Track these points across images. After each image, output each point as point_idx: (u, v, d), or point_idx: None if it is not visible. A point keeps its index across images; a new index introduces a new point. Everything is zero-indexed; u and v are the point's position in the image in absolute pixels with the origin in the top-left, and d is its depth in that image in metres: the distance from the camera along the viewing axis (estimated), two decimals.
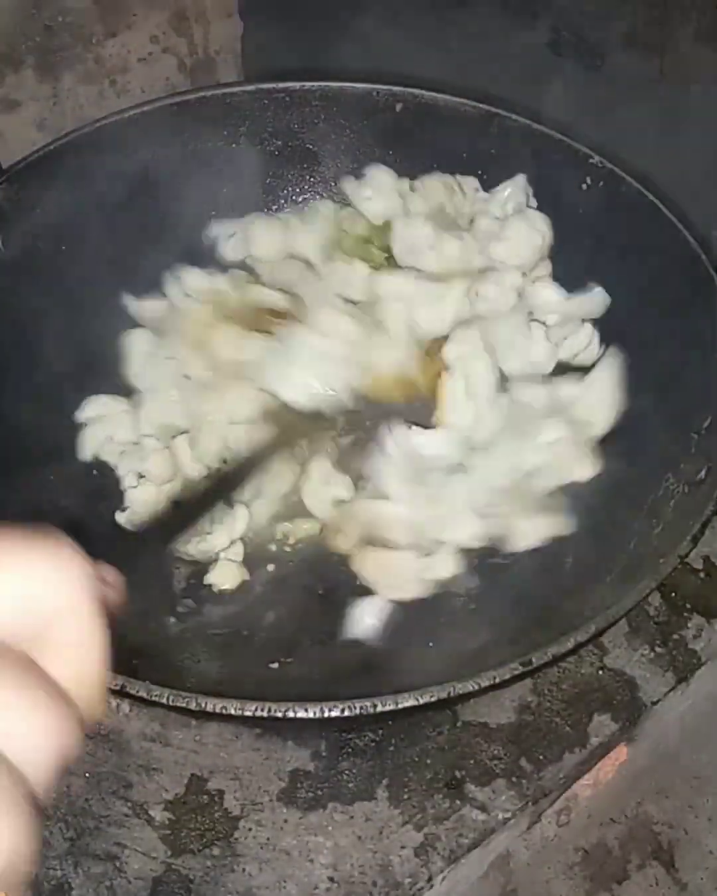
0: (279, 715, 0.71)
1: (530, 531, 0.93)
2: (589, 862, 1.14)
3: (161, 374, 1.06)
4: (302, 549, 0.98)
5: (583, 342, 1.05)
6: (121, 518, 0.98)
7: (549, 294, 1.06)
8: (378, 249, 1.13)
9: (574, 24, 1.20)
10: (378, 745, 0.91)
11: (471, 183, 1.15)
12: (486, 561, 0.95)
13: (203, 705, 0.71)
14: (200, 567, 0.96)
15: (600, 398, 1.00)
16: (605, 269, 1.06)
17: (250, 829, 0.87)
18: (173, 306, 1.12)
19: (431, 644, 0.91)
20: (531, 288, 1.07)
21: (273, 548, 0.98)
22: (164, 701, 0.71)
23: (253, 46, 1.46)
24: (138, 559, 0.86)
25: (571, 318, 1.05)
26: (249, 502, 0.97)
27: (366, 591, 0.92)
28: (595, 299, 1.06)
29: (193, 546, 0.95)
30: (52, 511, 0.95)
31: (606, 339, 1.06)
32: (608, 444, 1.02)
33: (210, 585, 0.95)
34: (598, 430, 1.00)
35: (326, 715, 0.70)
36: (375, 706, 0.71)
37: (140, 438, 1.02)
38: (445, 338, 1.04)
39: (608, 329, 1.06)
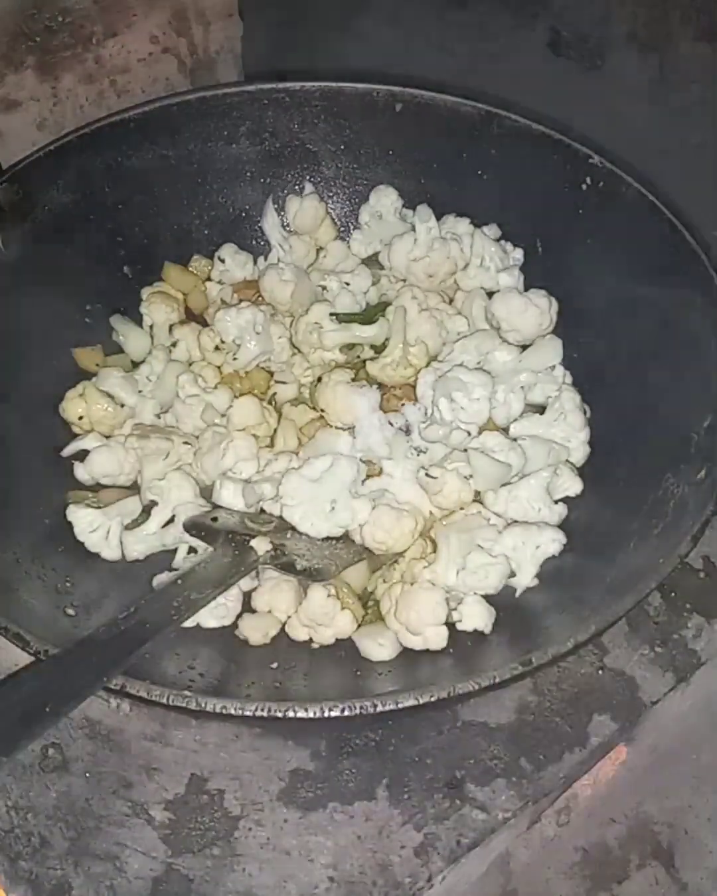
0: (279, 715, 0.71)
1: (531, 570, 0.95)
2: (589, 862, 1.14)
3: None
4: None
5: (553, 388, 1.05)
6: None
7: (502, 355, 1.05)
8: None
9: (574, 24, 1.20)
10: (378, 745, 0.91)
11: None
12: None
13: (203, 705, 0.71)
14: None
15: (569, 429, 1.02)
16: (605, 269, 1.06)
17: (250, 829, 0.87)
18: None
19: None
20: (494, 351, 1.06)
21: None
22: (164, 701, 0.71)
23: (253, 46, 1.46)
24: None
25: (532, 369, 1.05)
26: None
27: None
28: (551, 349, 1.06)
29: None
30: None
31: (606, 340, 1.06)
32: (607, 445, 1.02)
33: None
34: (575, 456, 1.02)
35: (326, 715, 0.70)
36: (375, 706, 0.71)
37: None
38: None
39: (609, 329, 1.06)
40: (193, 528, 0.95)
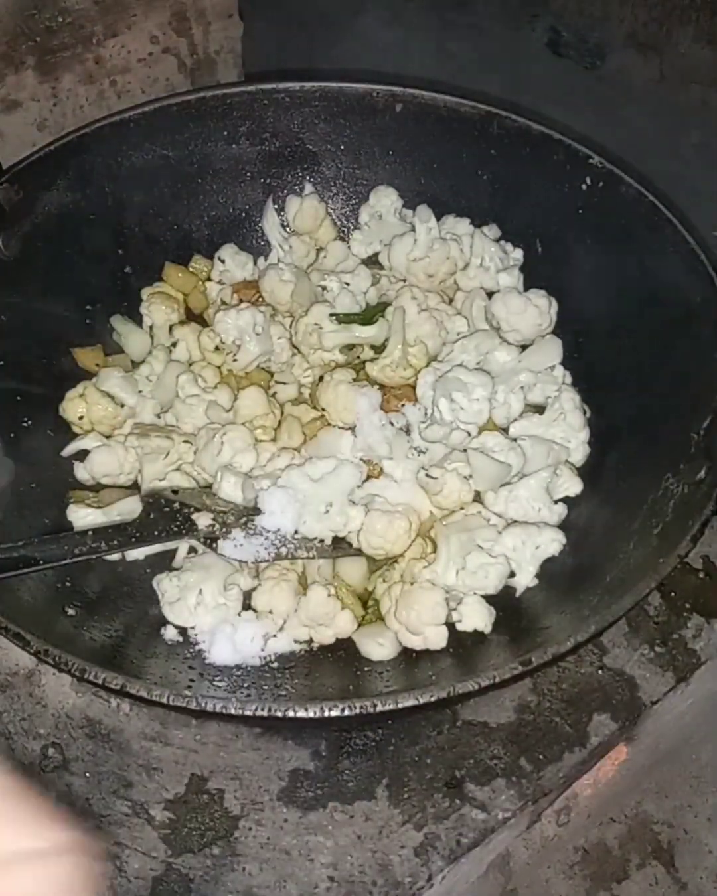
0: (279, 715, 0.71)
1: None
2: (589, 861, 1.14)
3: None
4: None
5: (553, 388, 1.05)
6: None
7: (502, 355, 1.06)
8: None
9: (574, 24, 1.20)
10: (378, 745, 0.91)
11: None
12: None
13: (203, 705, 0.71)
14: None
15: (568, 429, 1.02)
16: (605, 269, 1.06)
17: (250, 829, 0.87)
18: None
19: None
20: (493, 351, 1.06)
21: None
22: (164, 701, 0.71)
23: (253, 46, 1.46)
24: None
25: (532, 369, 1.05)
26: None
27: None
28: (551, 349, 1.06)
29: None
30: None
31: (606, 340, 1.07)
32: (607, 445, 1.02)
33: None
34: (575, 456, 1.02)
35: (326, 715, 0.70)
36: (375, 706, 0.71)
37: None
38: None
39: (609, 329, 1.06)
40: (148, 496, 0.97)
